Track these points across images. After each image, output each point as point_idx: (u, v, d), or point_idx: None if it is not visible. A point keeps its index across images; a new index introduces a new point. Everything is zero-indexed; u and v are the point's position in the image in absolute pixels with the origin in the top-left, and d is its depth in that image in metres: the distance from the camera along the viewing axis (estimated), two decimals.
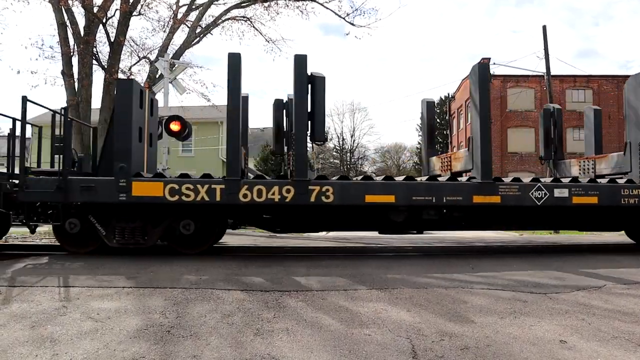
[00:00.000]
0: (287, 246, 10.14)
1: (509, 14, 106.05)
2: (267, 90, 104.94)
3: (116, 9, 15.10)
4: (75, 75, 14.33)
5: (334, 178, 7.99)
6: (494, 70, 36.21)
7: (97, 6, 14.60)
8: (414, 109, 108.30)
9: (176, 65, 15.75)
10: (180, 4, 17.30)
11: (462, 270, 6.65)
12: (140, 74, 17.36)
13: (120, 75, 15.59)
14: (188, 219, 7.74)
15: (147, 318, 4.17)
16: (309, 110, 7.78)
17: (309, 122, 7.76)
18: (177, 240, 8.02)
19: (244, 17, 18.36)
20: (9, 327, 3.90)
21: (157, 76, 16.18)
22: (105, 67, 14.95)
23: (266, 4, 17.59)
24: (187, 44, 17.01)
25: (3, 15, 43.38)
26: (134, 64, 17.40)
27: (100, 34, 15.20)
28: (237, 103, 7.60)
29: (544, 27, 21.94)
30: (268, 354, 3.38)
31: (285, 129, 9.42)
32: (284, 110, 9.41)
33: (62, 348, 3.45)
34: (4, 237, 9.36)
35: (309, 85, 7.80)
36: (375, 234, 10.17)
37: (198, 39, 17.54)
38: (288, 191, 7.47)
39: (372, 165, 71.12)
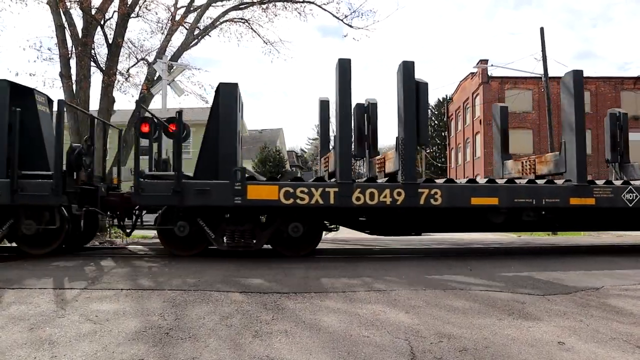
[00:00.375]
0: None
1: (507, 16, 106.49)
2: (264, 91, 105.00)
3: (114, 11, 15.07)
4: (74, 77, 14.31)
5: (439, 181, 8.23)
6: (492, 72, 36.36)
7: (95, 8, 14.59)
8: None
9: (174, 67, 15.74)
10: (178, 6, 17.30)
11: (461, 272, 6.67)
12: (139, 76, 17.32)
13: (119, 77, 15.57)
14: (297, 221, 7.86)
15: (146, 320, 4.16)
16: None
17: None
18: (283, 243, 8.17)
19: (242, 19, 18.37)
20: (7, 329, 3.89)
21: (155, 78, 16.17)
22: (104, 68, 14.94)
23: (264, 6, 17.61)
24: (185, 46, 17.00)
25: (1, 17, 43.43)
26: (132, 66, 17.36)
27: (99, 36, 15.17)
28: (348, 110, 7.88)
29: (542, 29, 22.00)
30: (267, 355, 3.38)
31: (366, 134, 9.79)
32: (365, 115, 9.77)
33: (61, 350, 3.45)
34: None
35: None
36: (374, 236, 10.21)
37: (196, 40, 17.53)
38: (399, 194, 7.68)
39: None
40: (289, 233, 7.85)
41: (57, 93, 17.63)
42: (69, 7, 14.14)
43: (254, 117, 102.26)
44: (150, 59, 17.03)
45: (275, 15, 18.10)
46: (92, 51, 14.85)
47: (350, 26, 18.35)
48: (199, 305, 4.67)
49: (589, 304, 4.86)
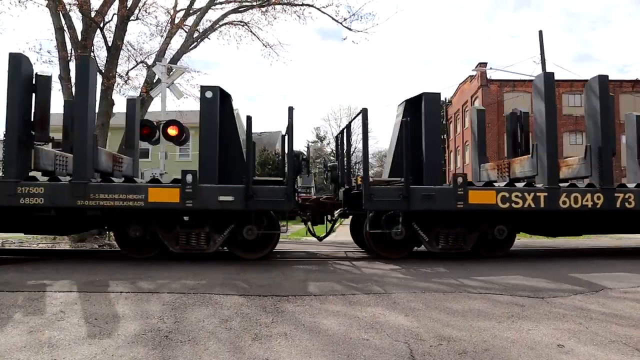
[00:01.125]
0: (285, 251, 10.14)
1: (506, 19, 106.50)
2: (264, 94, 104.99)
3: (114, 14, 15.08)
4: (73, 80, 14.28)
5: (631, 186, 8.72)
6: (491, 75, 36.44)
7: (95, 11, 14.60)
8: None
9: (174, 70, 15.74)
10: (177, 9, 17.32)
11: (460, 275, 6.67)
12: (138, 79, 17.33)
13: (118, 80, 15.56)
14: (502, 224, 8.23)
15: (146, 323, 4.16)
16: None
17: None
18: (486, 245, 8.49)
19: (241, 21, 18.39)
20: (7, 332, 3.89)
21: (155, 81, 16.17)
22: (103, 71, 14.93)
23: (263, 9, 17.64)
24: (184, 49, 17.01)
25: (0, 19, 43.38)
26: (132, 69, 17.37)
27: (98, 39, 15.18)
28: (553, 118, 8.30)
29: (540, 32, 22.07)
30: (266, 358, 3.38)
31: (520, 140, 10.66)
32: (518, 123, 10.83)
33: (60, 353, 3.45)
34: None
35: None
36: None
37: (195, 43, 17.54)
38: (599, 198, 8.26)
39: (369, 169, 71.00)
40: (494, 235, 8.22)
41: (56, 95, 17.54)
42: (68, 9, 14.15)
43: (253, 120, 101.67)
44: (150, 61, 17.04)
45: (275, 18, 18.11)
46: (92, 54, 14.84)
47: (350, 29, 18.39)
48: (198, 308, 4.66)
49: (588, 307, 4.86)
